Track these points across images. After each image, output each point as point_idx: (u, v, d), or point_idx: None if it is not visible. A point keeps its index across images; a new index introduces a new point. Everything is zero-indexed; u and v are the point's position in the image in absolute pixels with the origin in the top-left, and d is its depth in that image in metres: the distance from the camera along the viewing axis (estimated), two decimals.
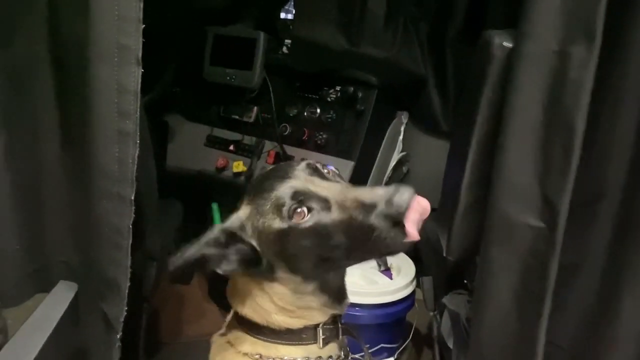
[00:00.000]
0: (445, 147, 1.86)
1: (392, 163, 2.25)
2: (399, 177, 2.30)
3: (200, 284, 2.78)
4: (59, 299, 1.23)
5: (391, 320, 2.08)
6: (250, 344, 1.00)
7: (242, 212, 0.98)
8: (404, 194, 0.83)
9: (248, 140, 2.42)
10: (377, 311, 1.99)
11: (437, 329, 1.79)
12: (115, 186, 1.06)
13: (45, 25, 1.09)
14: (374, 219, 0.84)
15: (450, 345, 1.64)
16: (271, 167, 2.21)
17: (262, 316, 0.98)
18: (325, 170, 0.99)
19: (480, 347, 1.22)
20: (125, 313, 1.15)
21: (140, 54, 0.97)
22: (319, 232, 0.89)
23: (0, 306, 1.12)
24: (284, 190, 0.92)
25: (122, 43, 0.96)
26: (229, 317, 1.09)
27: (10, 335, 1.11)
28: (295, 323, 0.99)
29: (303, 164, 0.97)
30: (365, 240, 0.86)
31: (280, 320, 0.98)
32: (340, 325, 1.05)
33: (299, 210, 0.89)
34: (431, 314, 1.86)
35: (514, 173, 1.09)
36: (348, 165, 2.13)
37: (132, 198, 1.06)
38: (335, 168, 1.02)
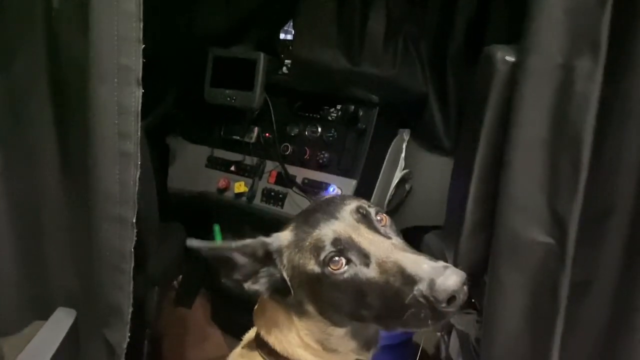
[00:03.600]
0: (448, 163, 1.84)
1: (395, 181, 2.23)
2: (401, 194, 2.28)
3: (203, 307, 2.75)
4: (57, 327, 1.21)
5: (398, 342, 2.04)
6: None
7: (284, 236, 0.94)
8: (449, 279, 0.76)
9: (249, 160, 2.41)
10: (383, 332, 1.96)
11: (445, 349, 1.76)
12: (117, 209, 1.05)
13: (44, 47, 1.08)
14: (410, 299, 0.78)
15: None
16: (272, 186, 2.23)
17: (284, 346, 0.96)
18: (379, 217, 0.94)
19: None
20: (128, 339, 1.12)
21: (140, 75, 0.96)
22: (352, 287, 0.85)
23: None
24: (326, 232, 0.88)
25: (122, 64, 0.96)
26: (248, 336, 1.08)
27: None
28: None
29: (354, 205, 0.93)
30: (395, 312, 0.81)
31: (302, 355, 0.95)
32: None
33: (336, 259, 0.86)
34: (439, 334, 1.82)
35: (521, 189, 1.07)
36: (350, 184, 2.11)
37: (134, 221, 1.05)
38: (373, 206, 0.96)
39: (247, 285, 0.93)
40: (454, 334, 1.65)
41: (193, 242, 0.89)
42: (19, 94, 1.10)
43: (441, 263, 0.80)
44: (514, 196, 1.08)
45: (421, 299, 0.77)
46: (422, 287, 0.77)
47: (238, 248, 0.91)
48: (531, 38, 1.03)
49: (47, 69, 1.10)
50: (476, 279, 1.36)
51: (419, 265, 0.80)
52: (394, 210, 2.28)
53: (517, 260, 1.10)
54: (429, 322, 0.78)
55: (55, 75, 1.11)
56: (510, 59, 1.12)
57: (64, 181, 1.17)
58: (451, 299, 0.76)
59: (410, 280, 0.79)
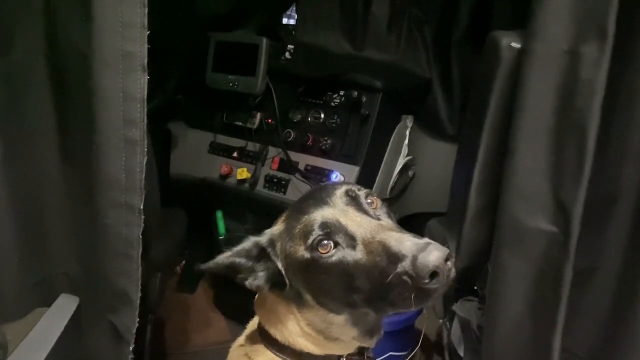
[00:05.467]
0: (451, 150, 1.83)
1: (398, 167, 2.22)
2: (404, 181, 2.28)
3: (206, 293, 2.76)
4: (60, 313, 1.21)
5: (400, 328, 2.05)
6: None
7: (277, 228, 0.96)
8: (431, 254, 0.75)
9: (252, 146, 2.41)
10: (385, 318, 1.97)
11: (447, 336, 1.76)
12: (123, 196, 1.05)
13: (43, 32, 1.07)
14: (394, 276, 0.77)
15: (461, 353, 1.61)
16: (275, 172, 2.23)
17: (285, 336, 0.97)
18: (369, 200, 0.94)
19: (493, 355, 1.19)
20: (137, 324, 1.13)
21: (145, 61, 0.96)
22: (341, 270, 0.85)
23: (0, 321, 1.10)
24: (315, 217, 0.89)
25: (127, 50, 0.95)
26: (251, 325, 1.09)
27: (10, 351, 1.08)
28: (317, 350, 0.97)
29: (343, 189, 0.94)
30: (382, 292, 0.81)
31: (303, 344, 0.96)
32: (366, 358, 1.03)
33: (325, 242, 0.86)
34: (441, 321, 1.83)
35: (525, 176, 1.06)
36: (353, 171, 2.11)
37: (141, 207, 1.05)
38: (363, 189, 0.97)
39: (249, 283, 0.96)
40: (455, 321, 1.65)
41: (202, 266, 0.96)
42: (18, 79, 1.09)
43: (424, 240, 0.79)
44: (517, 183, 1.07)
45: (405, 277, 0.76)
46: (405, 264, 0.76)
47: (234, 254, 0.95)
48: (536, 24, 1.01)
49: (47, 54, 1.09)
50: (479, 266, 1.35)
51: (402, 242, 0.79)
52: (397, 197, 2.27)
53: (521, 248, 1.09)
54: (413, 300, 0.77)
55: (55, 61, 1.09)
56: (516, 45, 1.11)
57: (66, 168, 1.16)
58: (433, 274, 0.75)
59: (394, 258, 0.79)
